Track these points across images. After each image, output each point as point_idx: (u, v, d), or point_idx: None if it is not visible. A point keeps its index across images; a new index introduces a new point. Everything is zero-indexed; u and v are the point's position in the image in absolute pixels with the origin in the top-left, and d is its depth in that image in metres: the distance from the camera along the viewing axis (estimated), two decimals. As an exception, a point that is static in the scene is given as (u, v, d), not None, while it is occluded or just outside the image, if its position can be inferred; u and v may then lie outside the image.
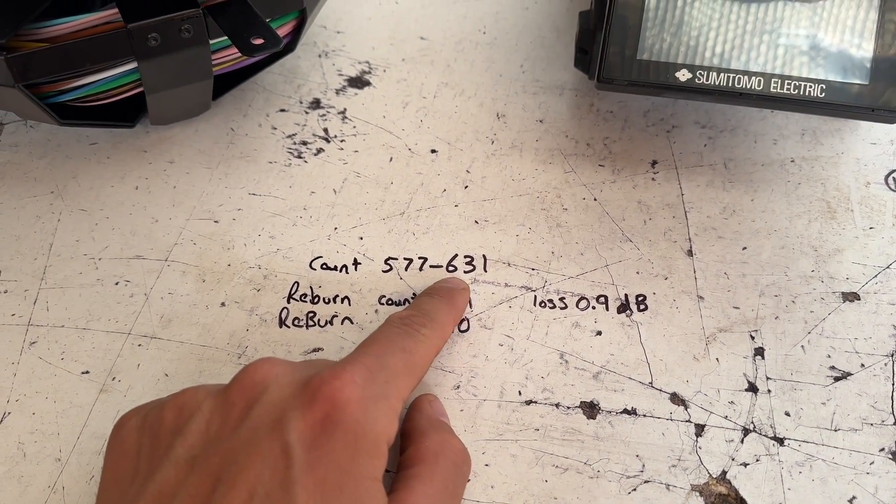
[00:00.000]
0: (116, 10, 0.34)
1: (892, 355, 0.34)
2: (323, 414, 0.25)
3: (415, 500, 0.26)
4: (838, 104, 0.33)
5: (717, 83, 0.34)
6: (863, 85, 0.33)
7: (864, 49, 0.33)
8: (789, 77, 0.33)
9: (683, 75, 0.34)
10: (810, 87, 0.33)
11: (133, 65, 0.35)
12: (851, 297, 0.35)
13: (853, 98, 0.33)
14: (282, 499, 0.24)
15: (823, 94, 0.33)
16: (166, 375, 0.35)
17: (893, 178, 0.39)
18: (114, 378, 0.35)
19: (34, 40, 0.34)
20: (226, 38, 0.36)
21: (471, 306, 0.36)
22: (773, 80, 0.34)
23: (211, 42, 0.36)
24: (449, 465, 0.29)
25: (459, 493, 0.29)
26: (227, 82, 0.42)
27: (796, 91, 0.33)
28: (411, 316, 0.32)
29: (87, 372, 0.35)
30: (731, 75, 0.34)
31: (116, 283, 0.37)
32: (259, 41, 0.33)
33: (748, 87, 0.34)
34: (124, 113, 0.41)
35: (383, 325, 0.31)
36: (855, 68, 0.33)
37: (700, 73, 0.34)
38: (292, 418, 0.25)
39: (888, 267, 0.36)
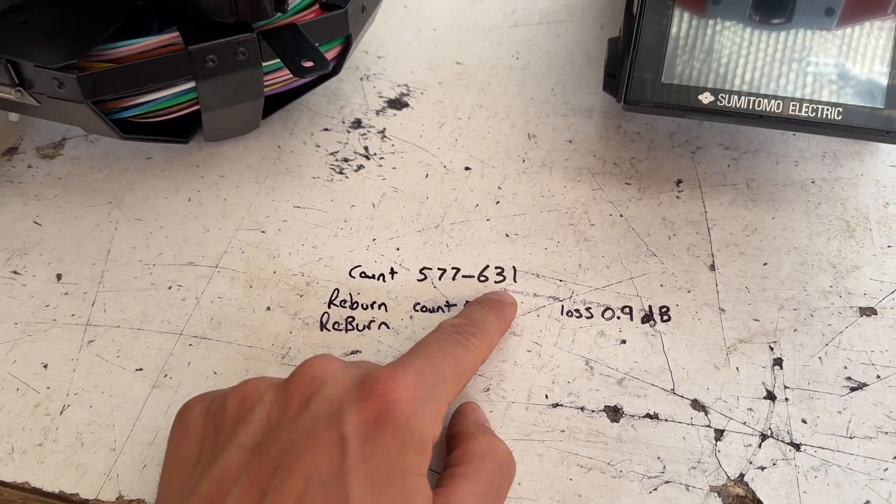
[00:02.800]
0: (177, 33, 0.37)
1: (907, 368, 0.35)
2: (376, 410, 0.27)
3: (460, 498, 0.28)
4: (855, 127, 0.35)
5: (738, 106, 0.36)
6: (879, 109, 0.35)
7: (881, 74, 0.35)
8: (808, 101, 0.35)
9: (706, 98, 0.36)
10: (828, 110, 0.35)
11: (191, 84, 0.38)
12: (868, 311, 0.37)
13: (869, 121, 0.35)
14: (336, 486, 0.26)
15: (840, 118, 0.35)
16: (215, 373, 0.37)
17: (912, 199, 0.40)
18: (165, 375, 0.37)
19: (102, 61, 0.37)
20: (277, 60, 0.39)
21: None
22: (791, 103, 0.35)
23: (263, 65, 0.38)
24: (494, 466, 0.30)
25: (503, 494, 0.30)
26: (275, 103, 0.45)
27: (814, 114, 0.35)
28: (463, 325, 0.33)
29: (141, 369, 0.37)
30: (753, 98, 0.36)
31: (169, 288, 0.40)
32: (309, 64, 0.36)
33: (768, 109, 0.35)
34: (179, 129, 0.44)
35: (436, 331, 0.33)
36: (871, 93, 0.35)
37: (722, 97, 0.36)
38: (348, 412, 0.27)
39: (905, 284, 0.38)
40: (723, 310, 0.37)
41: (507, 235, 0.41)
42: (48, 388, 0.37)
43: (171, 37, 0.37)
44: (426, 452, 0.28)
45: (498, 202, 0.42)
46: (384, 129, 0.46)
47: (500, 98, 0.47)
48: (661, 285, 0.38)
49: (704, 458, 0.33)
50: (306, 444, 0.27)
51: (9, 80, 0.36)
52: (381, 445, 0.27)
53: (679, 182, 0.42)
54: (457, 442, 0.31)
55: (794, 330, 0.36)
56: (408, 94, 0.48)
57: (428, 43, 0.51)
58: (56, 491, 0.34)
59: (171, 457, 0.30)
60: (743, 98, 0.36)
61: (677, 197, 0.42)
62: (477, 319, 0.34)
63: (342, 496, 0.25)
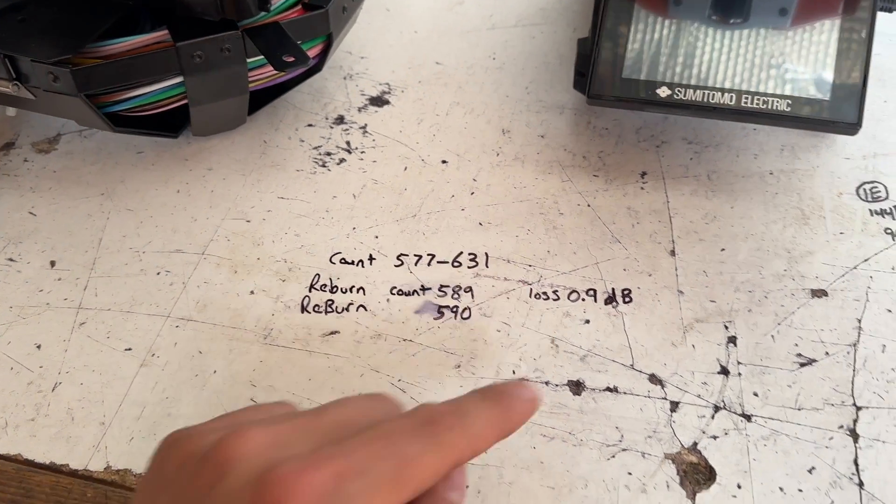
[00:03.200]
0: (166, 32, 0.39)
1: (854, 345, 0.37)
2: None
3: None
4: (802, 117, 0.37)
5: (694, 99, 0.38)
6: (825, 101, 0.37)
7: (827, 69, 0.37)
8: (759, 93, 0.37)
9: (664, 92, 0.38)
10: (777, 102, 0.37)
11: (179, 79, 0.40)
12: (820, 293, 0.39)
13: (816, 112, 0.37)
14: None
15: (789, 109, 0.37)
16: (200, 352, 0.39)
17: (864, 189, 0.43)
18: (153, 354, 0.39)
19: (94, 57, 0.39)
20: (261, 57, 0.41)
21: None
22: (744, 95, 0.38)
23: (248, 61, 0.41)
24: None
25: None
26: (261, 100, 0.47)
27: (765, 105, 0.37)
28: (443, 417, 0.26)
29: (130, 349, 0.39)
30: (707, 91, 0.38)
31: (158, 273, 0.42)
32: (290, 59, 0.38)
33: (722, 102, 0.38)
34: (169, 124, 0.46)
35: (407, 413, 0.27)
36: (818, 86, 0.37)
37: (679, 90, 0.38)
38: None
39: (855, 267, 0.40)
40: (681, 292, 0.39)
41: (480, 224, 0.43)
42: (41, 366, 0.39)
43: (160, 35, 0.39)
44: None
45: (473, 193, 0.44)
46: (365, 124, 0.48)
47: (477, 96, 0.49)
48: (625, 269, 0.40)
49: (660, 428, 0.35)
50: None
51: (6, 74, 0.38)
52: None
53: (644, 174, 0.44)
54: None
55: (749, 310, 0.38)
56: (389, 92, 0.50)
57: (409, 44, 0.53)
58: (47, 462, 0.36)
59: (144, 483, 0.28)
60: (698, 91, 0.38)
61: (642, 188, 0.44)
62: (466, 410, 0.26)
63: None
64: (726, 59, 0.38)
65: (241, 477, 0.24)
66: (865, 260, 0.40)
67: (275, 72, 0.43)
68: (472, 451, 0.26)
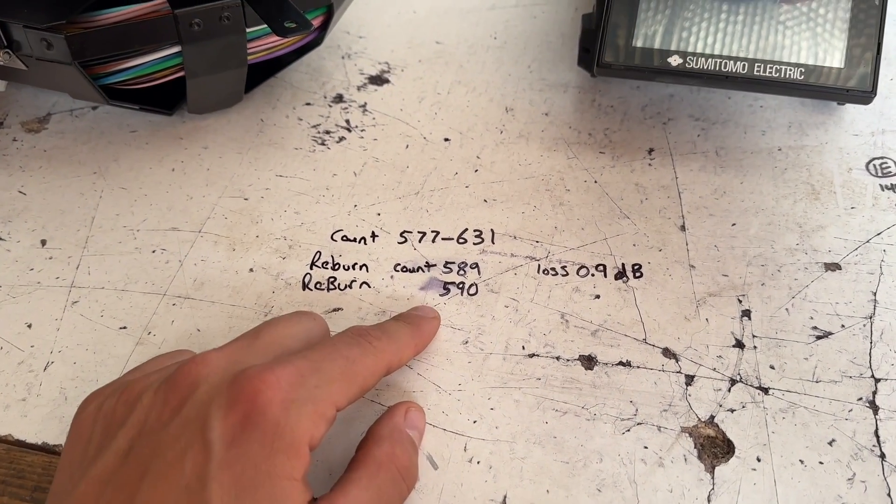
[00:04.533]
0: (164, 0, 0.38)
1: (870, 317, 0.36)
2: (243, 414, 0.26)
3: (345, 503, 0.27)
4: (816, 86, 0.36)
5: (706, 67, 0.37)
6: (838, 69, 0.36)
7: (840, 37, 0.37)
8: (771, 61, 0.37)
9: (675, 60, 0.37)
10: (790, 70, 0.36)
11: (176, 49, 0.39)
12: (833, 267, 0.38)
13: (829, 80, 0.36)
14: (199, 492, 0.25)
15: (802, 77, 0.36)
16: (198, 330, 0.38)
17: (874, 164, 0.42)
18: (149, 333, 0.38)
19: (89, 26, 0.38)
20: (260, 27, 0.40)
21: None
22: (756, 64, 0.37)
23: (247, 31, 0.40)
24: (388, 477, 0.29)
25: None
26: (257, 77, 0.46)
27: (778, 74, 0.37)
28: (369, 330, 0.32)
29: (125, 327, 0.38)
30: (719, 60, 0.37)
31: (153, 251, 0.41)
32: (292, 25, 0.37)
33: (734, 70, 0.37)
34: (164, 102, 0.45)
35: (338, 334, 0.32)
36: (831, 54, 0.37)
37: (690, 59, 0.37)
38: (215, 416, 0.26)
39: (868, 241, 0.39)
40: (693, 266, 0.38)
41: (485, 201, 0.42)
42: (32, 346, 0.37)
43: (158, 3, 0.38)
44: (300, 456, 0.27)
45: (477, 170, 0.44)
46: (365, 103, 0.47)
47: (479, 75, 0.49)
48: (634, 245, 0.40)
49: (675, 402, 0.34)
50: (174, 450, 0.26)
51: (-3, 42, 0.37)
52: (247, 450, 0.26)
53: (651, 151, 0.44)
54: (364, 444, 0.31)
55: (762, 284, 0.38)
56: (388, 71, 0.49)
57: (408, 24, 0.52)
58: (39, 442, 0.35)
59: (64, 455, 0.29)
60: (710, 60, 0.37)
61: (649, 164, 0.43)
62: (387, 328, 0.33)
63: (204, 503, 0.25)
64: (739, 28, 0.37)
65: (212, 388, 0.27)
66: (878, 234, 0.39)
67: (273, 44, 0.42)
68: (399, 358, 0.32)
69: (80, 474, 0.28)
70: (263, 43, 0.41)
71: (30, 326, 0.38)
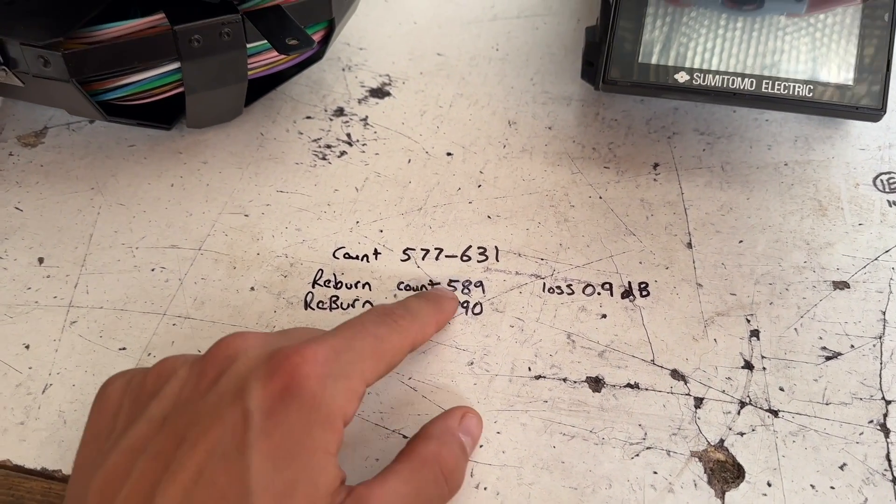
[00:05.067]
0: (163, 15, 0.37)
1: (880, 338, 0.36)
2: (282, 385, 0.27)
3: (382, 493, 0.28)
4: (825, 103, 0.36)
5: (713, 84, 0.37)
6: (847, 86, 0.36)
7: (849, 54, 0.36)
8: (780, 78, 0.36)
9: (682, 77, 0.37)
10: (799, 87, 0.36)
11: (176, 65, 0.38)
12: (842, 285, 0.38)
13: (839, 97, 0.36)
14: (236, 460, 0.25)
15: (812, 94, 0.36)
16: (199, 351, 0.37)
17: (881, 180, 0.42)
18: (149, 354, 0.37)
19: (87, 43, 0.37)
20: (260, 43, 0.39)
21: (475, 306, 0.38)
22: (765, 81, 0.36)
23: (247, 46, 0.39)
24: (432, 475, 0.29)
25: None
26: (256, 91, 0.46)
27: (787, 91, 0.36)
28: (394, 308, 0.33)
29: (124, 348, 0.37)
30: (727, 77, 0.37)
31: (152, 270, 0.40)
32: (294, 42, 0.36)
33: (742, 87, 0.37)
34: (162, 116, 0.44)
35: (364, 313, 0.32)
36: (840, 71, 0.36)
37: (697, 76, 0.37)
38: (254, 388, 0.27)
39: (876, 259, 0.39)
40: (700, 285, 0.38)
41: (489, 217, 0.42)
42: (30, 368, 0.37)
43: (156, 18, 0.37)
44: (335, 431, 0.27)
45: (480, 186, 0.43)
46: (366, 116, 0.47)
47: (481, 87, 0.48)
48: (640, 262, 0.39)
49: (685, 425, 0.33)
50: (212, 418, 0.26)
51: (-7, 59, 0.36)
52: (285, 421, 0.26)
53: (656, 165, 0.43)
54: (412, 440, 0.31)
55: (770, 303, 0.37)
56: (389, 84, 0.49)
57: (409, 35, 0.51)
58: (38, 468, 0.34)
59: (88, 429, 0.29)
60: (718, 77, 0.37)
61: (654, 179, 0.42)
62: (410, 305, 0.34)
63: (242, 470, 0.25)
64: (746, 44, 0.37)
65: (250, 360, 0.28)
66: (886, 251, 0.39)
67: (273, 59, 0.41)
68: (423, 335, 0.33)
69: (111, 445, 0.27)
70: (264, 58, 0.41)
71: (27, 347, 0.38)
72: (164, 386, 0.28)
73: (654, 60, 0.37)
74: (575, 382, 0.35)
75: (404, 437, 0.34)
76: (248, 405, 0.26)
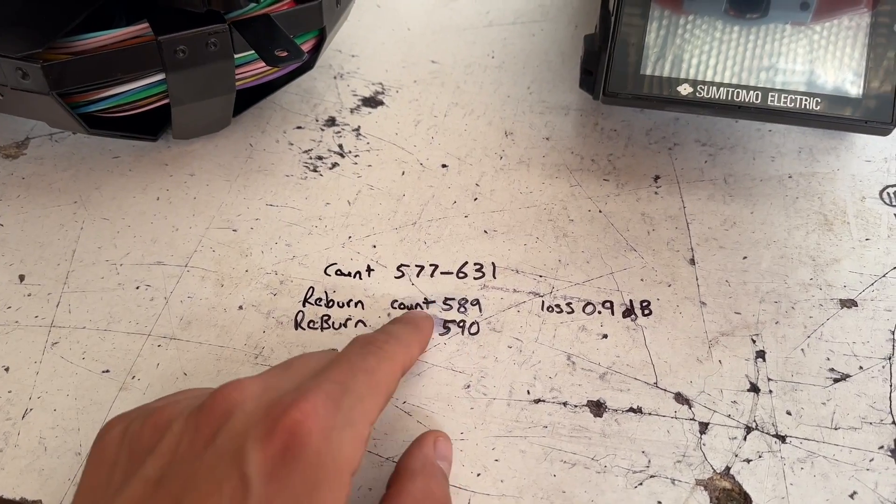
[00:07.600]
0: (146, 25, 0.36)
1: (889, 358, 0.35)
2: (282, 445, 0.25)
3: None
4: (833, 116, 0.35)
5: (717, 97, 0.36)
6: (856, 99, 0.35)
7: (858, 66, 0.35)
8: (787, 91, 0.35)
9: (685, 89, 0.36)
10: (806, 100, 0.35)
11: (159, 77, 0.37)
12: (849, 303, 0.37)
13: (847, 111, 0.35)
14: None
15: (819, 107, 0.35)
16: (185, 374, 0.36)
17: (888, 193, 0.40)
18: (133, 377, 0.36)
19: (68, 53, 0.35)
20: (248, 53, 0.38)
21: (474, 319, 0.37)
22: (770, 93, 0.35)
23: (235, 57, 0.38)
24: None
25: None
26: (246, 100, 0.44)
27: (793, 104, 0.35)
28: (375, 337, 0.32)
29: (108, 371, 0.36)
30: (731, 89, 0.35)
31: (137, 288, 0.39)
32: (283, 53, 0.35)
33: (747, 100, 0.35)
34: (148, 127, 0.43)
35: (346, 347, 0.31)
36: (849, 84, 0.35)
37: (701, 88, 0.36)
38: (252, 449, 0.25)
39: (884, 276, 0.37)
40: (704, 303, 0.37)
41: (485, 232, 0.40)
42: (9, 391, 0.35)
43: (140, 28, 0.36)
44: (343, 486, 0.25)
45: (476, 199, 0.42)
46: (359, 126, 0.45)
47: (477, 96, 0.47)
48: (642, 280, 0.38)
49: (690, 452, 0.32)
50: (208, 482, 0.25)
51: (-31, 71, 0.35)
52: (288, 485, 0.24)
53: (657, 178, 0.42)
54: (397, 478, 0.30)
55: (776, 322, 0.36)
56: (382, 93, 0.47)
57: (402, 42, 0.50)
58: (17, 498, 0.33)
59: (84, 480, 0.28)
60: (722, 89, 0.35)
61: (655, 192, 0.41)
62: (390, 330, 0.33)
63: None
64: (748, 56, 0.36)
65: (247, 416, 0.26)
66: (894, 268, 0.38)
67: (262, 70, 0.40)
68: (409, 356, 0.33)
69: (105, 501, 0.26)
70: (252, 69, 0.39)
71: (7, 370, 0.36)
72: (160, 441, 0.27)
73: (656, 72, 0.36)
74: (576, 406, 0.34)
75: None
76: (247, 470, 0.24)
